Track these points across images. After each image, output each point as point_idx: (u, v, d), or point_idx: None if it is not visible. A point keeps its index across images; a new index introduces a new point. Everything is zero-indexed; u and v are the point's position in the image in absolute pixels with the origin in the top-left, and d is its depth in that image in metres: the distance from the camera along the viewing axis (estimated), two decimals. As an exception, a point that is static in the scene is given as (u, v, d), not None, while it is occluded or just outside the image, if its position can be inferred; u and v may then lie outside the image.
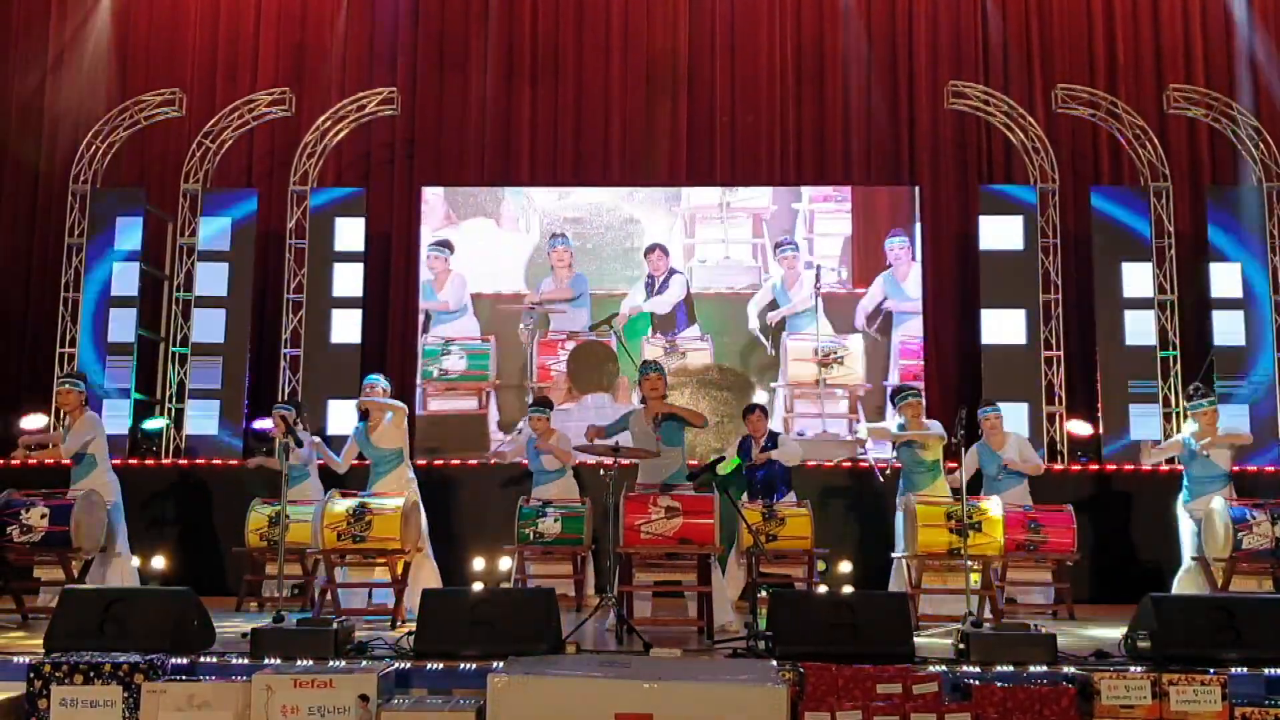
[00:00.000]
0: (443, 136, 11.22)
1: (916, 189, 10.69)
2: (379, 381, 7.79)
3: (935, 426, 7.63)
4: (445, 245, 10.15)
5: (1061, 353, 10.06)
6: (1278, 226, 10.10)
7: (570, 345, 9.72)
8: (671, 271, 9.68)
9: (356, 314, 10.39)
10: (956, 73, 10.84)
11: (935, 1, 11.15)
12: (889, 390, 9.10)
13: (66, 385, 7.59)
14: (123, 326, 10.21)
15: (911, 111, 11.08)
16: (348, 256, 10.46)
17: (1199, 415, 7.45)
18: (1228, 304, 9.98)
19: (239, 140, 10.85)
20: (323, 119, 10.60)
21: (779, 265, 10.22)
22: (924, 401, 7.61)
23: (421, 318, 10.30)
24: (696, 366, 9.87)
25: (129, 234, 10.38)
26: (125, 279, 10.30)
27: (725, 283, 10.23)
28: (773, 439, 8.08)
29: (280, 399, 10.08)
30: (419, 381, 10.00)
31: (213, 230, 10.48)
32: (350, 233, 10.50)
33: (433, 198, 10.65)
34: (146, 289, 10.47)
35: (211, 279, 10.41)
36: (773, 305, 10.15)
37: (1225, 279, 10.02)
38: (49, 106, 11.34)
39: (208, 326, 10.34)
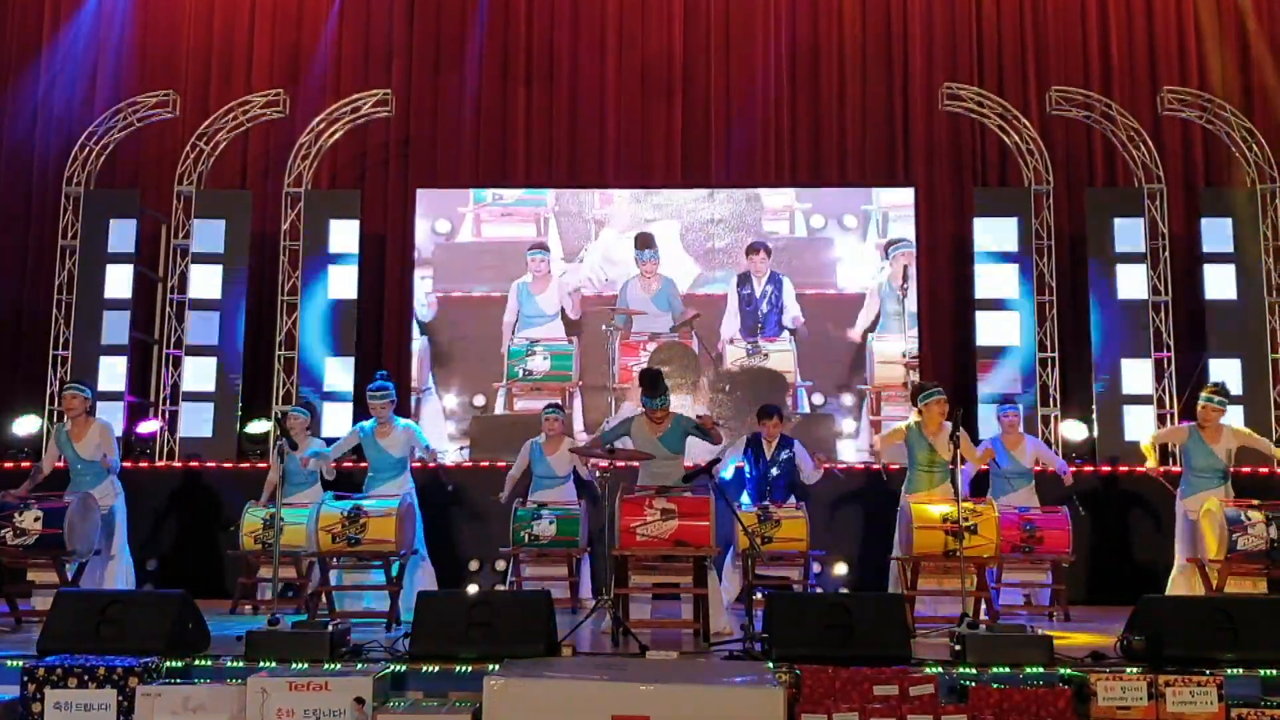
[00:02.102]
0: (438, 138, 11.22)
1: (912, 190, 10.71)
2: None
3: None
4: (544, 248, 10.04)
5: (1056, 354, 10.07)
6: (1271, 228, 10.13)
7: (652, 346, 9.71)
8: (773, 275, 9.62)
9: (351, 316, 10.38)
10: (951, 75, 10.86)
11: (930, 3, 11.17)
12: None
13: (72, 391, 7.62)
14: (116, 329, 10.19)
15: (906, 113, 11.08)
16: (342, 258, 10.46)
17: (1214, 410, 7.33)
18: (1222, 306, 10.00)
19: (233, 142, 10.83)
20: (317, 120, 10.59)
21: (890, 265, 10.15)
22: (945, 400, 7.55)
23: (510, 317, 10.16)
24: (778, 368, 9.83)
25: (123, 236, 10.34)
26: (119, 281, 10.26)
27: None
28: (787, 444, 8.08)
29: (275, 401, 10.09)
30: (504, 381, 9.88)
31: (207, 232, 10.44)
32: (345, 234, 10.48)
33: (618, 198, 10.52)
34: (140, 291, 10.43)
35: (206, 281, 10.37)
36: (878, 312, 10.07)
37: (1219, 281, 10.05)
38: (42, 107, 11.32)
39: (202, 329, 10.30)
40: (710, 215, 10.40)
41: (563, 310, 10.11)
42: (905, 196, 10.58)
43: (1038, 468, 8.17)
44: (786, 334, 9.87)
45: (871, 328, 10.08)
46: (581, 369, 9.81)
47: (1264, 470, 8.92)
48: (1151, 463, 7.57)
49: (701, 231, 10.33)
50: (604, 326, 10.02)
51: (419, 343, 10.24)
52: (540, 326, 9.93)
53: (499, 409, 9.58)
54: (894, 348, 9.93)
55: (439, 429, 9.95)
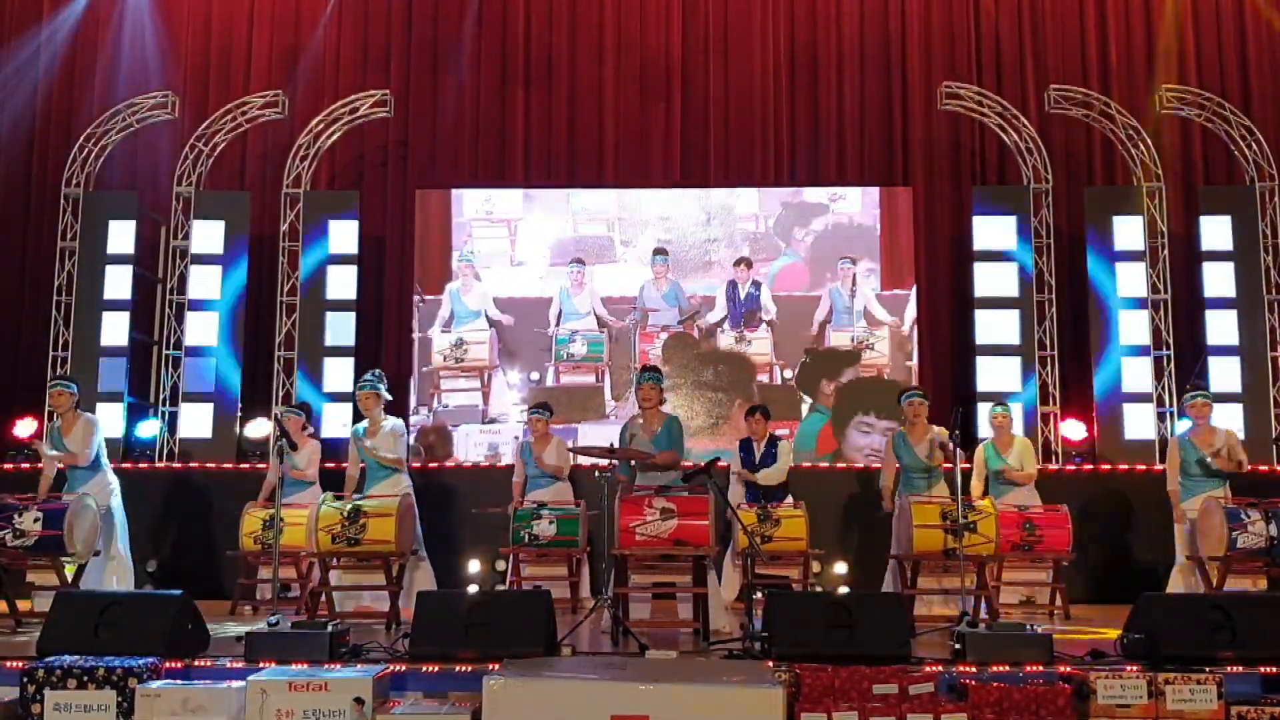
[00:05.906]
0: (436, 139, 11.23)
1: (910, 190, 10.71)
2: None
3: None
4: (581, 261, 10.97)
5: (1055, 353, 10.07)
6: (1270, 226, 10.13)
7: (663, 336, 11.02)
8: (753, 282, 10.90)
9: (350, 316, 10.39)
10: (950, 74, 10.87)
11: (928, 3, 11.17)
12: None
13: (59, 387, 7.58)
14: (116, 330, 10.20)
15: (905, 113, 11.10)
16: (341, 259, 10.46)
17: (1192, 408, 7.42)
18: (1221, 304, 10.00)
19: (232, 143, 10.83)
20: (316, 121, 10.59)
21: (840, 273, 10.78)
22: (927, 402, 7.59)
23: (555, 315, 10.90)
24: (758, 356, 11.00)
25: (122, 237, 10.35)
26: (118, 282, 10.27)
27: None
28: (774, 444, 8.08)
29: (275, 402, 10.09)
30: (552, 361, 10.87)
31: (206, 233, 10.46)
32: (344, 235, 10.49)
33: (661, 200, 11.08)
34: (140, 292, 10.44)
35: (205, 282, 10.39)
36: (829, 312, 10.82)
37: (1218, 279, 10.05)
38: (41, 109, 11.32)
39: (201, 329, 10.32)
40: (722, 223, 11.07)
41: (594, 309, 11.21)
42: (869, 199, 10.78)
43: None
44: (764, 326, 10.84)
45: (827, 320, 10.75)
46: (610, 352, 10.95)
47: (1264, 469, 8.92)
48: (1177, 508, 7.44)
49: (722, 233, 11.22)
50: (625, 320, 10.92)
51: (488, 331, 11.01)
52: (577, 321, 11.06)
53: (549, 382, 10.90)
54: (844, 337, 10.74)
55: (504, 397, 10.84)
